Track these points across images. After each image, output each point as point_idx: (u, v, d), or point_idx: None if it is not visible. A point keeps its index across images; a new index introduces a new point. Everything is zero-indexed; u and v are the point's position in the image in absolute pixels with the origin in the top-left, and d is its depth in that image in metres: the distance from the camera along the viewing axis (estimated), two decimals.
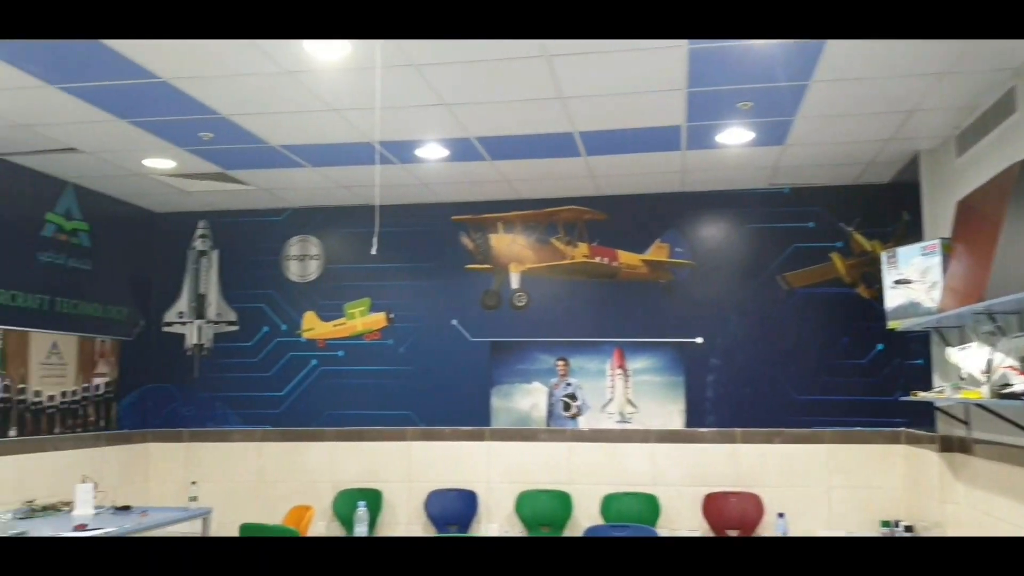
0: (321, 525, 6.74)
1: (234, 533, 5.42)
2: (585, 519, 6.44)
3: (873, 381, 6.34)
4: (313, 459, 6.95)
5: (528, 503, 6.54)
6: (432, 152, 5.63)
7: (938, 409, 5.32)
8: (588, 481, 6.54)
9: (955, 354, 4.52)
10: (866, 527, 6.10)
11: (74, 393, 6.35)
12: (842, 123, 5.09)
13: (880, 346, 6.33)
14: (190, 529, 5.87)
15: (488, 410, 6.79)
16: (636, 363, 6.64)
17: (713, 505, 6.33)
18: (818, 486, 6.28)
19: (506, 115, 4.91)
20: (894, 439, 6.21)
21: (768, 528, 6.20)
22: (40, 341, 6.01)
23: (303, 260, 7.24)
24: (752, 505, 6.28)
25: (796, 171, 6.17)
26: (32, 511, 5.36)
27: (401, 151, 5.63)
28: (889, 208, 6.28)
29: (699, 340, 6.58)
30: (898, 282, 5.30)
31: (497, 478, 6.68)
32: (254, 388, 7.15)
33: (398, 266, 7.04)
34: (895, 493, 6.15)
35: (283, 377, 7.13)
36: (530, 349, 6.80)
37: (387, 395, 6.96)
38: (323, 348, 7.10)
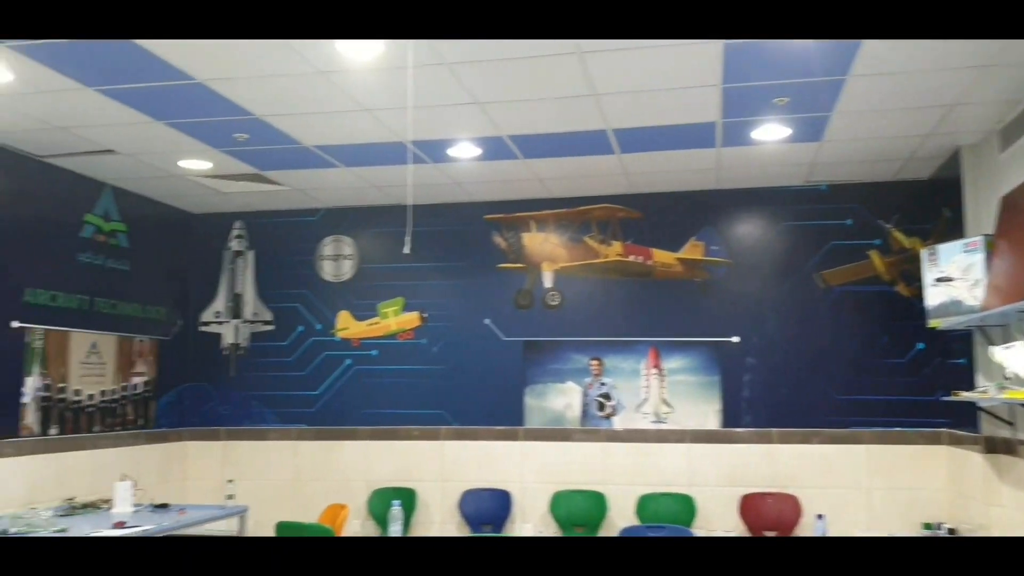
0: (356, 524, 6.77)
1: (270, 531, 5.45)
2: (620, 520, 6.39)
3: (913, 381, 6.22)
4: (347, 458, 6.98)
5: (563, 503, 6.52)
6: (464, 151, 5.63)
7: (981, 409, 5.21)
8: (623, 481, 6.50)
9: (999, 353, 4.42)
10: (907, 529, 5.99)
11: (113, 392, 6.44)
12: (881, 118, 4.99)
13: (920, 345, 6.22)
14: (227, 527, 5.92)
15: (521, 410, 6.77)
16: (671, 363, 6.59)
17: (750, 506, 6.26)
18: (857, 487, 6.18)
19: (539, 113, 4.88)
20: (936, 440, 6.09)
21: (806, 529, 6.12)
22: (80, 341, 6.10)
23: (337, 260, 7.27)
24: (790, 506, 6.19)
25: (833, 168, 6.07)
26: (72, 508, 5.43)
27: (433, 150, 5.63)
28: (929, 205, 6.16)
29: (735, 339, 6.51)
30: (939, 280, 5.20)
31: (531, 478, 6.66)
32: (289, 387, 7.20)
33: (431, 265, 7.05)
34: (937, 495, 6.03)
35: (318, 376, 7.17)
36: (564, 348, 6.76)
37: (420, 394, 6.97)
38: (357, 347, 7.13)
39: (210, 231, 7.47)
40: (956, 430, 5.82)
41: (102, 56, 4.06)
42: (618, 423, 6.61)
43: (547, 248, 6.88)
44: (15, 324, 5.54)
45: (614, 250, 6.75)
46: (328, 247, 7.30)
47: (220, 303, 7.43)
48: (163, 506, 5.70)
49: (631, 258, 6.71)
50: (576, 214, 6.84)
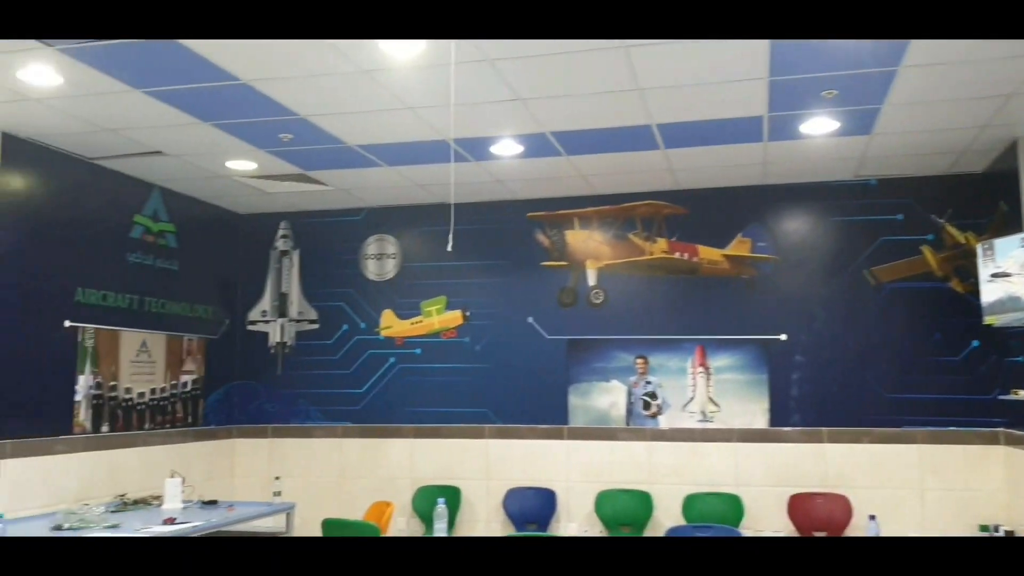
0: (401, 521, 6.79)
1: (316, 528, 5.49)
2: (667, 519, 6.33)
3: (968, 379, 6.06)
4: (392, 456, 7.01)
5: (608, 503, 6.47)
6: (507, 148, 5.61)
7: None
8: (669, 481, 6.43)
9: None
10: (963, 531, 5.85)
11: (163, 390, 6.53)
12: (934, 110, 4.87)
13: (975, 343, 6.06)
14: (274, 524, 5.98)
15: (566, 408, 6.74)
16: (718, 361, 6.50)
17: (799, 506, 6.16)
18: (910, 488, 6.05)
19: (582, 108, 4.84)
20: (992, 440, 5.93)
21: (858, 531, 6.00)
22: (130, 340, 6.20)
23: (380, 259, 7.30)
24: (840, 506, 6.08)
25: (883, 161, 5.94)
26: (124, 504, 5.53)
27: (476, 148, 5.62)
28: (984, 198, 6.00)
29: (783, 337, 6.41)
30: (996, 275, 5.06)
31: (576, 477, 6.63)
32: (335, 385, 7.25)
33: (473, 264, 7.05)
34: (994, 496, 5.87)
35: (362, 374, 7.21)
36: (608, 347, 6.71)
37: (464, 393, 6.97)
38: (401, 346, 7.16)
39: (256, 231, 7.56)
40: (1015, 430, 5.66)
41: (149, 58, 4.11)
42: (664, 422, 6.54)
43: (591, 245, 6.83)
44: (67, 323, 5.65)
45: (659, 247, 6.68)
46: (372, 246, 7.33)
47: (266, 302, 7.51)
48: (212, 502, 5.77)
49: (676, 255, 6.64)
50: (620, 211, 6.78)
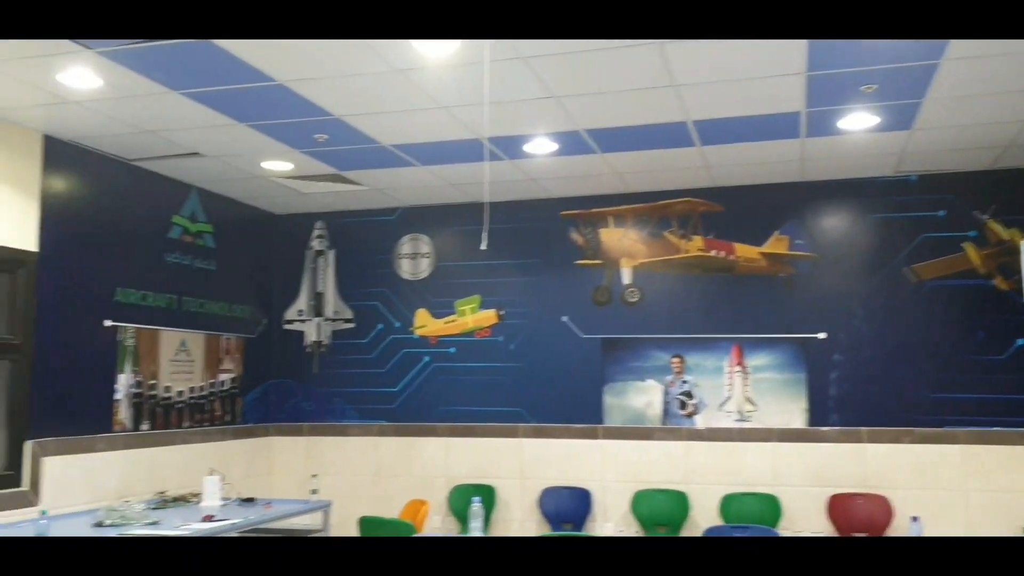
0: (436, 519, 6.81)
1: (353, 526, 5.52)
2: (703, 520, 6.27)
3: (1013, 378, 5.93)
4: (427, 454, 7.03)
5: (644, 502, 6.43)
6: (541, 147, 5.59)
7: None
8: (706, 481, 6.37)
9: None
10: (1007, 533, 5.72)
11: (201, 388, 6.61)
12: (977, 103, 4.77)
13: (1020, 341, 5.93)
14: (311, 521, 6.02)
15: (601, 408, 6.70)
16: (755, 360, 6.43)
17: (838, 506, 6.07)
18: (953, 489, 5.93)
19: (617, 105, 4.81)
20: None
21: (899, 532, 5.90)
22: (169, 339, 6.28)
23: (415, 258, 7.32)
24: (880, 507, 5.99)
25: (924, 157, 5.84)
26: (164, 502, 5.60)
27: (510, 147, 5.61)
28: None
29: (822, 335, 6.32)
30: None
31: (612, 477, 6.59)
32: (370, 384, 7.28)
33: (507, 263, 7.04)
34: None
35: (397, 373, 7.23)
36: (643, 346, 6.67)
37: (498, 392, 6.96)
38: (435, 345, 7.17)
39: (292, 231, 7.61)
40: None
41: (186, 59, 4.15)
42: (700, 422, 6.49)
43: (626, 244, 6.79)
44: (108, 323, 5.73)
45: (695, 245, 6.62)
46: (406, 246, 7.36)
47: (302, 302, 7.57)
48: (250, 500, 5.82)
49: (713, 253, 6.57)
50: (655, 209, 6.73)
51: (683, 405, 6.54)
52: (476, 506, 5.21)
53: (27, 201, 5.16)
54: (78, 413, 5.46)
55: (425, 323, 7.22)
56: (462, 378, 7.07)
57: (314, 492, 6.17)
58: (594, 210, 6.87)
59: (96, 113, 4.90)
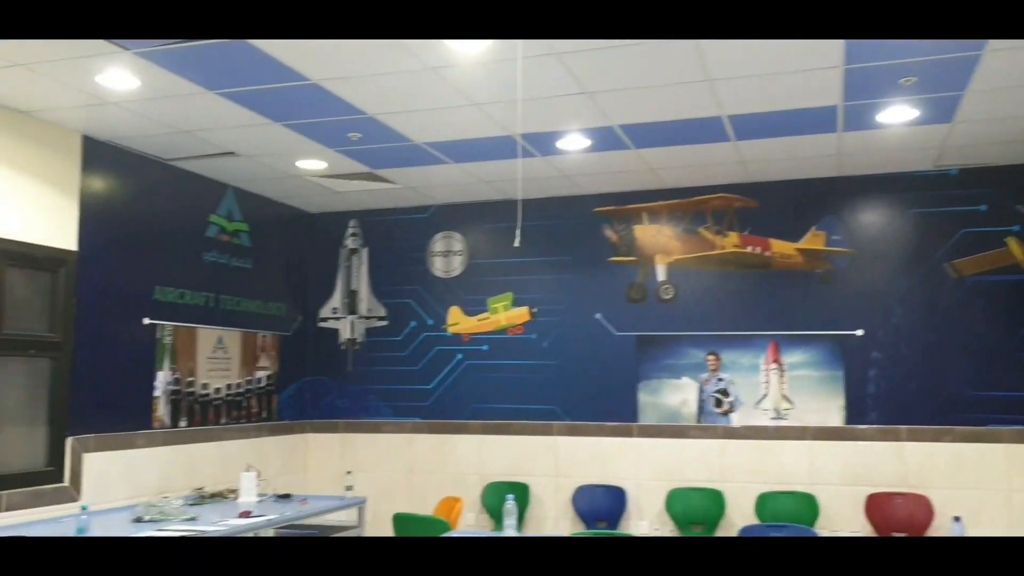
0: (470, 517, 6.81)
1: (387, 522, 5.54)
2: (739, 518, 6.22)
3: None
4: (461, 451, 7.04)
5: (679, 501, 6.38)
6: (574, 143, 5.57)
7: None
8: (741, 479, 6.32)
9: None
10: None
11: (238, 386, 6.68)
12: (1019, 95, 4.66)
13: None
14: (346, 518, 6.06)
15: (635, 406, 6.67)
16: (792, 357, 6.36)
17: (877, 506, 5.99)
18: (996, 488, 5.82)
19: (651, 101, 4.77)
20: None
21: (940, 532, 5.80)
22: (207, 337, 6.35)
23: (447, 256, 7.33)
24: (920, 507, 5.89)
25: (965, 151, 5.73)
26: (202, 498, 5.66)
27: (542, 143, 5.59)
28: None
29: (859, 332, 6.23)
30: None
31: (646, 475, 6.56)
32: (404, 381, 7.31)
33: (540, 260, 7.02)
34: None
35: (431, 370, 7.25)
36: (678, 343, 6.62)
37: (531, 389, 6.95)
38: (468, 342, 7.18)
39: (326, 230, 7.66)
40: None
41: (222, 59, 4.19)
42: (736, 420, 6.43)
43: (660, 240, 6.74)
44: (146, 321, 5.81)
45: (730, 241, 6.56)
46: (438, 243, 7.37)
47: (337, 299, 7.61)
48: (286, 496, 5.87)
49: (748, 249, 6.51)
50: (690, 205, 6.68)
51: (718, 403, 6.49)
52: (510, 504, 5.20)
53: (67, 201, 5.24)
54: (118, 410, 5.54)
55: (458, 321, 7.23)
56: (495, 375, 7.07)
57: (349, 489, 6.21)
58: (628, 206, 6.83)
59: (134, 114, 4.97)
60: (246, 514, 5.07)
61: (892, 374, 6.16)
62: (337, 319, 7.59)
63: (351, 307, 7.56)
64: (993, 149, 5.68)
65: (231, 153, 5.82)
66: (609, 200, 6.88)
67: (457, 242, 7.32)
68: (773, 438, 6.31)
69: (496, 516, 6.63)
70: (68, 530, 4.45)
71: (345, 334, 7.55)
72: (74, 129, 5.26)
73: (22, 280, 4.95)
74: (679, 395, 6.58)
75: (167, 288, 6.00)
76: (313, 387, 7.54)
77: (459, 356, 7.19)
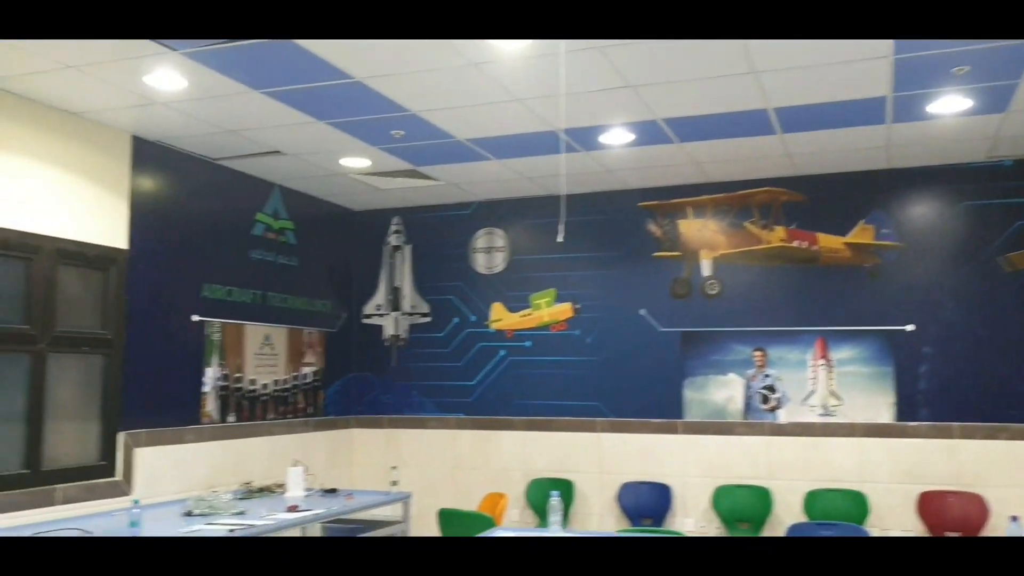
0: (515, 513, 6.82)
1: (432, 518, 5.57)
2: (787, 516, 6.14)
3: None
4: (504, 447, 7.04)
5: (725, 498, 6.32)
6: (617, 137, 5.53)
7: None
8: (789, 477, 6.23)
9: None
10: None
11: (285, 381, 6.75)
12: None
13: None
14: (391, 512, 6.09)
15: (680, 402, 6.61)
16: (840, 353, 6.25)
17: (929, 505, 5.87)
18: None
19: (695, 93, 4.72)
20: None
21: (996, 532, 5.67)
22: (254, 333, 6.43)
23: (490, 252, 7.34)
24: (975, 506, 5.76)
25: (1020, 141, 5.58)
26: (250, 492, 5.73)
27: (585, 138, 5.56)
28: None
29: (910, 328, 6.11)
30: None
31: (692, 472, 6.50)
32: (447, 377, 7.33)
33: (583, 255, 6.99)
34: None
35: (474, 367, 7.27)
36: (724, 339, 6.55)
37: (575, 386, 6.93)
38: (511, 338, 7.18)
39: (370, 227, 7.71)
40: None
41: (267, 59, 4.23)
42: (783, 416, 6.35)
43: (705, 235, 6.67)
44: (195, 318, 5.90)
45: (777, 235, 6.47)
46: (481, 240, 7.38)
47: (380, 296, 7.66)
48: (332, 491, 5.92)
49: (795, 243, 6.41)
50: (736, 199, 6.60)
51: (765, 399, 6.41)
52: (555, 500, 5.19)
53: (117, 200, 5.33)
54: (168, 405, 5.64)
55: (501, 317, 7.23)
56: (538, 372, 7.06)
57: (394, 484, 6.25)
58: (672, 201, 6.78)
59: (181, 113, 5.04)
60: (294, 508, 5.13)
61: (944, 370, 6.03)
62: (381, 316, 7.64)
63: (394, 304, 7.61)
64: None
65: (277, 152, 5.88)
66: (653, 195, 6.82)
67: (499, 238, 7.32)
68: (821, 435, 6.22)
69: (540, 512, 6.63)
70: (121, 524, 4.53)
71: (389, 330, 7.59)
72: (123, 129, 5.36)
73: (75, 279, 5.06)
74: (725, 391, 6.51)
75: (215, 285, 6.09)
76: (358, 383, 7.60)
77: (502, 352, 7.20)
